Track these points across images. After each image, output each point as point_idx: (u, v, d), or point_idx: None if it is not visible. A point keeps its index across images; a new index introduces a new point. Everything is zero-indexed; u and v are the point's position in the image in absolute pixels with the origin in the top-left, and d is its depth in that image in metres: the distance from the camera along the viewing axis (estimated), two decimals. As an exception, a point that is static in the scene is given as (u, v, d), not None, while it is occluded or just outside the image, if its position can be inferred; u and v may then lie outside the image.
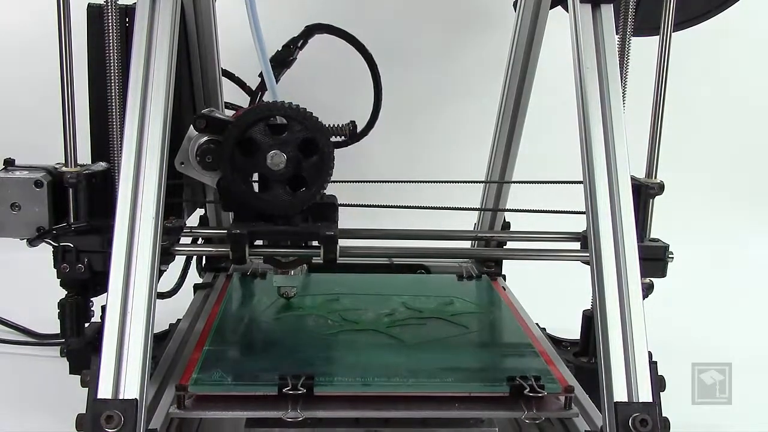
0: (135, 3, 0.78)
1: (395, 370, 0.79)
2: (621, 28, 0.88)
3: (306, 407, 0.73)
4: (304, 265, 0.90)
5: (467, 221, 1.29)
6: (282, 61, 1.02)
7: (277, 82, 0.98)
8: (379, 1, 1.72)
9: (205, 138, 0.81)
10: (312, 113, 0.77)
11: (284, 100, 0.78)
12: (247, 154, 0.77)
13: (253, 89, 1.12)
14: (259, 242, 0.82)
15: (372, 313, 0.98)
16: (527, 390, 0.74)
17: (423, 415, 0.76)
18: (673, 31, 0.88)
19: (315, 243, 0.80)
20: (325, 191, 0.81)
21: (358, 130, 1.01)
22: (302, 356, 0.84)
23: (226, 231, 0.79)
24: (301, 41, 1.03)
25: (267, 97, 0.99)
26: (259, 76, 0.95)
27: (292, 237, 0.82)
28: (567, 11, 0.84)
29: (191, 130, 0.81)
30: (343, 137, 0.85)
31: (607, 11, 0.81)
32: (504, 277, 1.21)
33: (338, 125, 0.84)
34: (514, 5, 1.13)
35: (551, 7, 1.06)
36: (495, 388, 0.76)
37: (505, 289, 1.13)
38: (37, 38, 1.17)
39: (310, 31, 1.02)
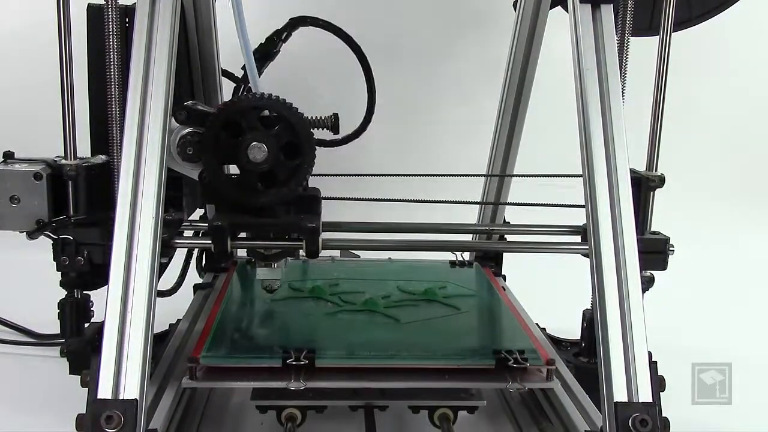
0: (135, 3, 0.78)
1: (390, 345, 0.85)
2: (621, 28, 0.88)
3: (308, 378, 0.78)
4: (288, 258, 0.89)
5: (468, 219, 1.29)
6: (265, 53, 1.01)
7: (260, 74, 0.97)
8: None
9: (187, 130, 0.80)
10: (295, 106, 0.77)
11: (268, 93, 0.77)
12: (228, 146, 0.77)
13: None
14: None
15: (369, 295, 1.02)
16: (511, 362, 0.80)
17: (416, 386, 0.81)
18: (673, 31, 0.88)
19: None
20: (307, 184, 0.81)
21: (356, 127, 1.01)
22: (304, 333, 0.91)
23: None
24: (285, 33, 1.01)
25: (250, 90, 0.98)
26: (242, 68, 0.94)
27: (273, 229, 0.82)
28: (567, 11, 0.84)
29: (173, 122, 0.80)
30: (325, 129, 0.83)
31: (607, 11, 0.81)
32: (504, 277, 1.21)
33: (321, 117, 0.82)
34: (514, 5, 1.13)
35: (551, 7, 1.06)
36: (482, 360, 0.82)
37: (504, 289, 1.12)
38: (37, 35, 1.16)
39: (295, 23, 1.01)
